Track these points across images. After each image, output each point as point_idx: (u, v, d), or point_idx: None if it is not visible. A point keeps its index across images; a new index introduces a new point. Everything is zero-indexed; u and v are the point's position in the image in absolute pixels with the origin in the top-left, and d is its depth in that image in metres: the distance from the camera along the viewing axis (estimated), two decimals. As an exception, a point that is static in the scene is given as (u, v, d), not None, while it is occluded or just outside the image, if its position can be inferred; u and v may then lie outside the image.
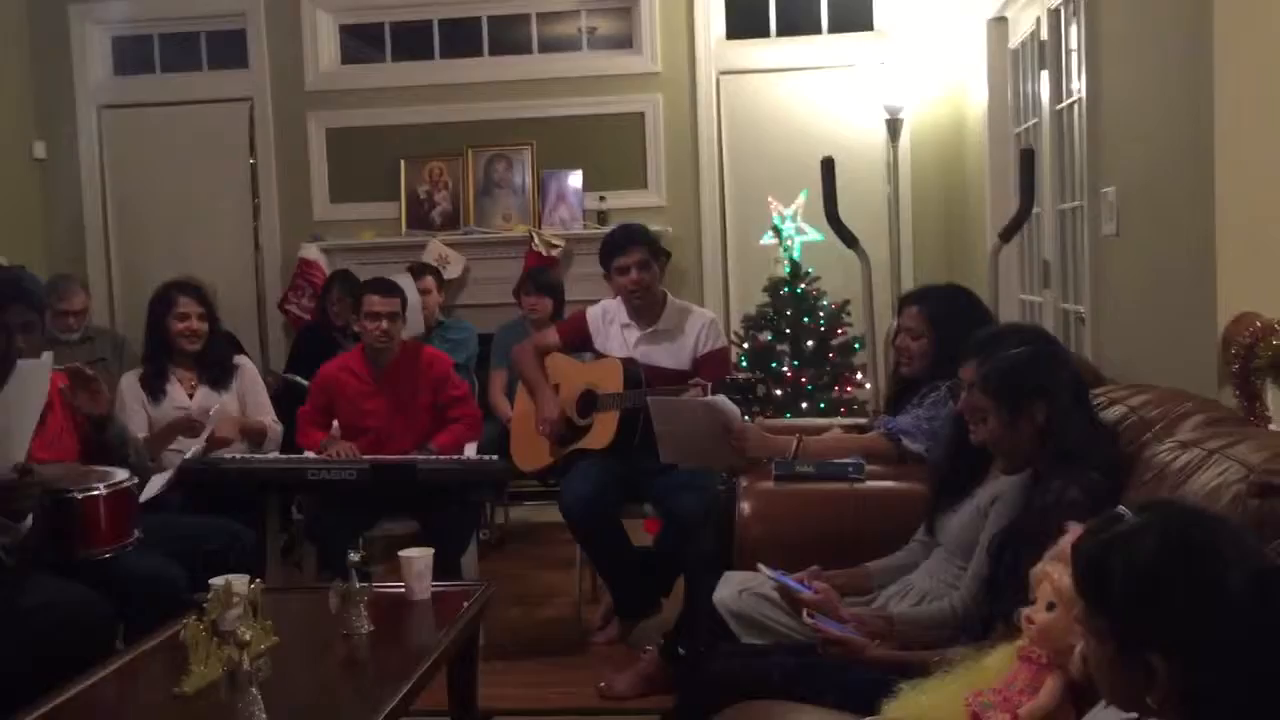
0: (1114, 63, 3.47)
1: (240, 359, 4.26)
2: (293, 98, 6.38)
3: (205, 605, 2.41)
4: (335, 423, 4.19)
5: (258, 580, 2.53)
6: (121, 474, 3.13)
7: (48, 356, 3.06)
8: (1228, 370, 2.62)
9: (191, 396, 4.03)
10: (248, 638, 2.15)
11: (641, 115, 6.26)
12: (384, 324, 4.13)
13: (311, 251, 6.19)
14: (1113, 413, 2.62)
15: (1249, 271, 2.68)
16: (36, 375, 2.97)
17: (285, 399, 4.71)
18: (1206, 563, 1.33)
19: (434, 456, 3.99)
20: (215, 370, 4.07)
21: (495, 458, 4.02)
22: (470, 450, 4.22)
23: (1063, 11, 4.18)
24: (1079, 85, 3.85)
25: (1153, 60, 3.12)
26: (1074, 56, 3.99)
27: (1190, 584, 1.31)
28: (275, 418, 4.29)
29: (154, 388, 3.98)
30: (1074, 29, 3.97)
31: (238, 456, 3.94)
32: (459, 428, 4.22)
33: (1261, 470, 1.81)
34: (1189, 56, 2.81)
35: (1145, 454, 2.32)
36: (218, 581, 2.52)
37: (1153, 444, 2.34)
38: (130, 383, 3.98)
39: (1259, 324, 2.53)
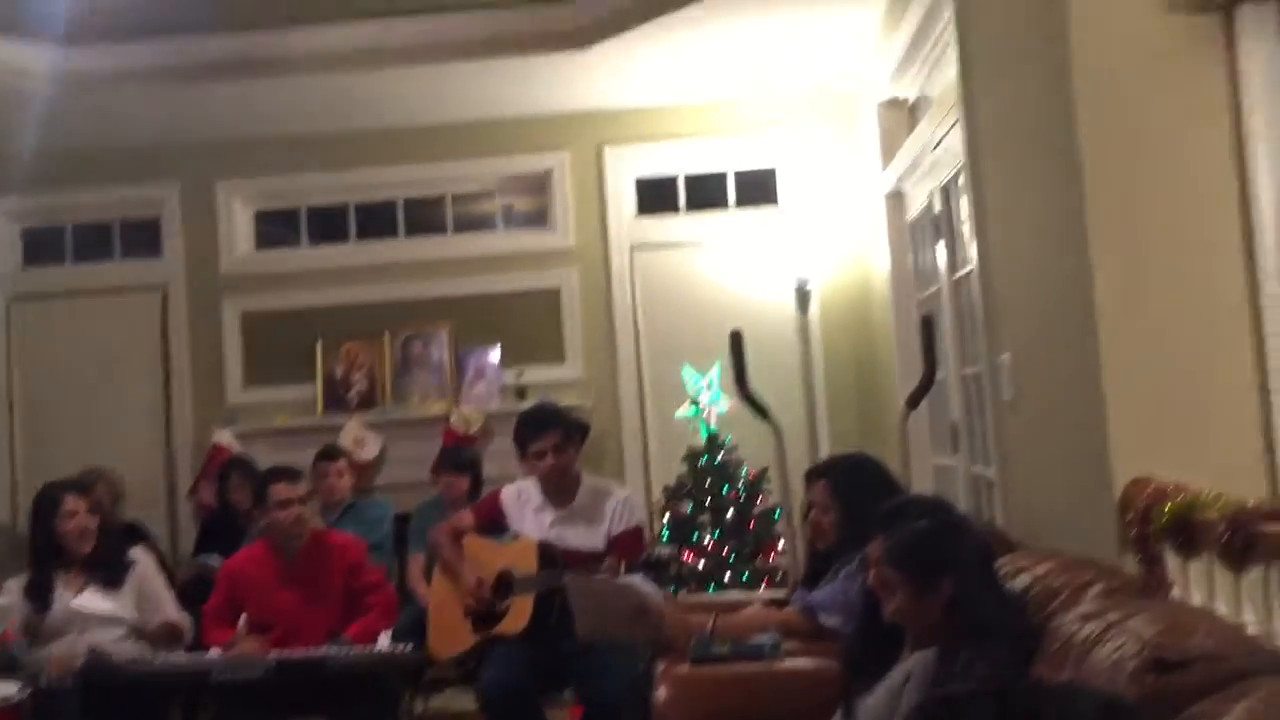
0: (1000, 235, 3.61)
1: (136, 553, 4.12)
2: (207, 283, 6.39)
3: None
4: (243, 617, 4.06)
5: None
6: (10, 689, 2.99)
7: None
8: (1128, 535, 2.65)
9: (81, 597, 3.88)
10: None
11: (557, 290, 6.35)
12: (296, 509, 4.04)
13: (224, 437, 6.09)
14: (1020, 582, 2.63)
15: (1140, 436, 2.74)
16: None
17: (198, 589, 4.56)
18: None
19: (344, 650, 3.85)
20: (106, 570, 3.93)
21: (409, 647, 3.90)
22: (384, 639, 4.09)
23: (952, 188, 4.36)
24: (971, 256, 3.99)
25: (1034, 232, 3.26)
26: (965, 229, 4.15)
27: None
28: (180, 611, 4.14)
29: (39, 595, 3.83)
30: (964, 203, 4.14)
31: (138, 658, 3.78)
32: (372, 617, 4.09)
33: (1154, 645, 1.82)
34: (1065, 228, 2.94)
35: (1052, 624, 2.32)
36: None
37: (1059, 614, 2.34)
38: (13, 591, 3.83)
39: (1153, 488, 2.58)
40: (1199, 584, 2.42)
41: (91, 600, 3.89)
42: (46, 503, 3.95)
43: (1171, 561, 2.50)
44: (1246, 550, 2.14)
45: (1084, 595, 2.35)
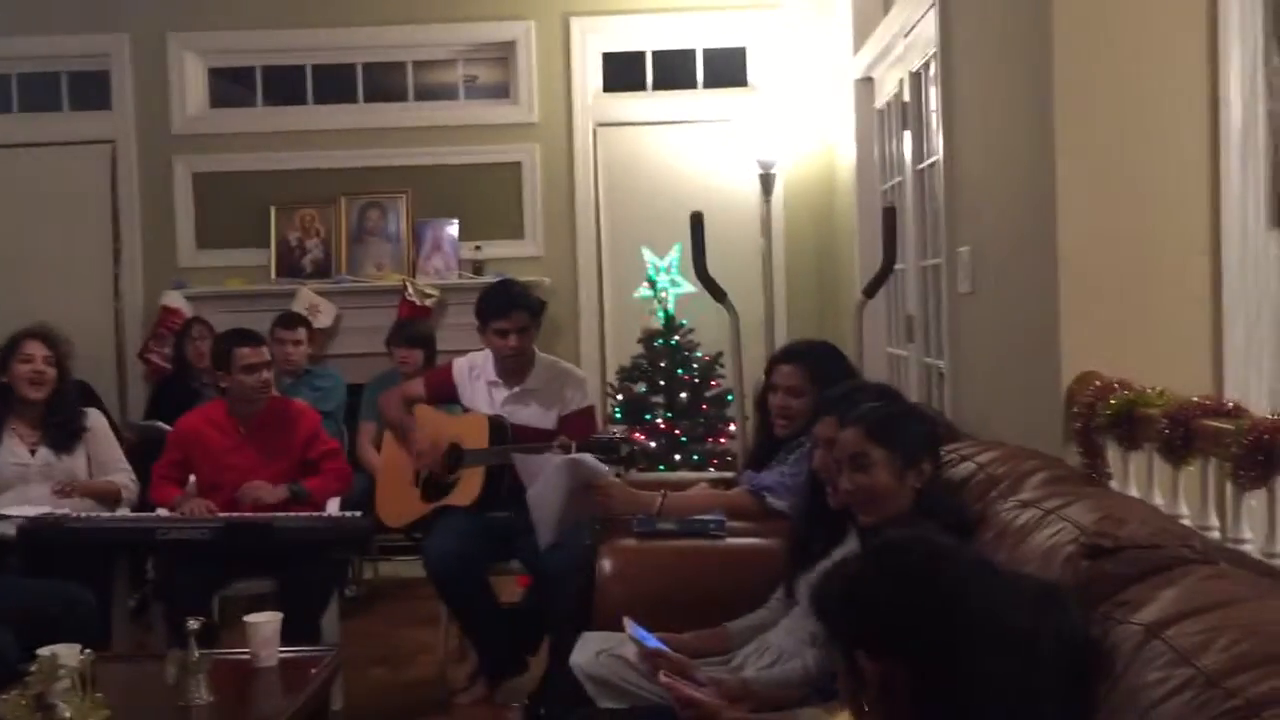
0: (967, 127, 3.57)
1: (90, 415, 4.07)
2: (158, 141, 6.21)
3: (28, 678, 2.28)
4: (192, 478, 4.05)
5: (87, 650, 2.40)
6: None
7: None
8: (1072, 427, 2.69)
9: (33, 454, 3.85)
10: (68, 715, 2.04)
11: (519, 165, 6.25)
12: (264, 374, 3.99)
13: (174, 299, 6.00)
14: (963, 469, 2.67)
15: (1090, 332, 2.76)
16: None
17: (144, 451, 4.54)
18: (914, 564, 1.49)
19: (291, 514, 3.85)
20: (60, 430, 3.89)
21: (358, 514, 3.92)
22: (332, 506, 4.11)
23: (923, 75, 4.30)
24: (938, 147, 3.96)
25: (1001, 126, 3.23)
26: (934, 119, 4.10)
27: (892, 582, 1.47)
28: (131, 475, 4.13)
29: None
30: (933, 92, 4.08)
31: (84, 515, 3.77)
32: (327, 478, 4.10)
33: (1092, 532, 1.85)
34: (1032, 123, 2.91)
35: (989, 512, 2.36)
36: (44, 652, 2.38)
37: (997, 502, 2.38)
38: None
39: (1099, 383, 2.61)
40: (1138, 477, 2.47)
41: (43, 459, 3.86)
42: (5, 348, 3.89)
43: (1113, 454, 2.55)
44: (1186, 444, 2.18)
45: (1025, 483, 2.38)
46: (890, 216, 4.28)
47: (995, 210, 3.31)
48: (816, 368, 3.26)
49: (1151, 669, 1.46)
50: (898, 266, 4.53)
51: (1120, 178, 2.76)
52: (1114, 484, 2.54)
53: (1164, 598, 1.61)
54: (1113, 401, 2.49)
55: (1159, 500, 2.39)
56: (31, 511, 3.68)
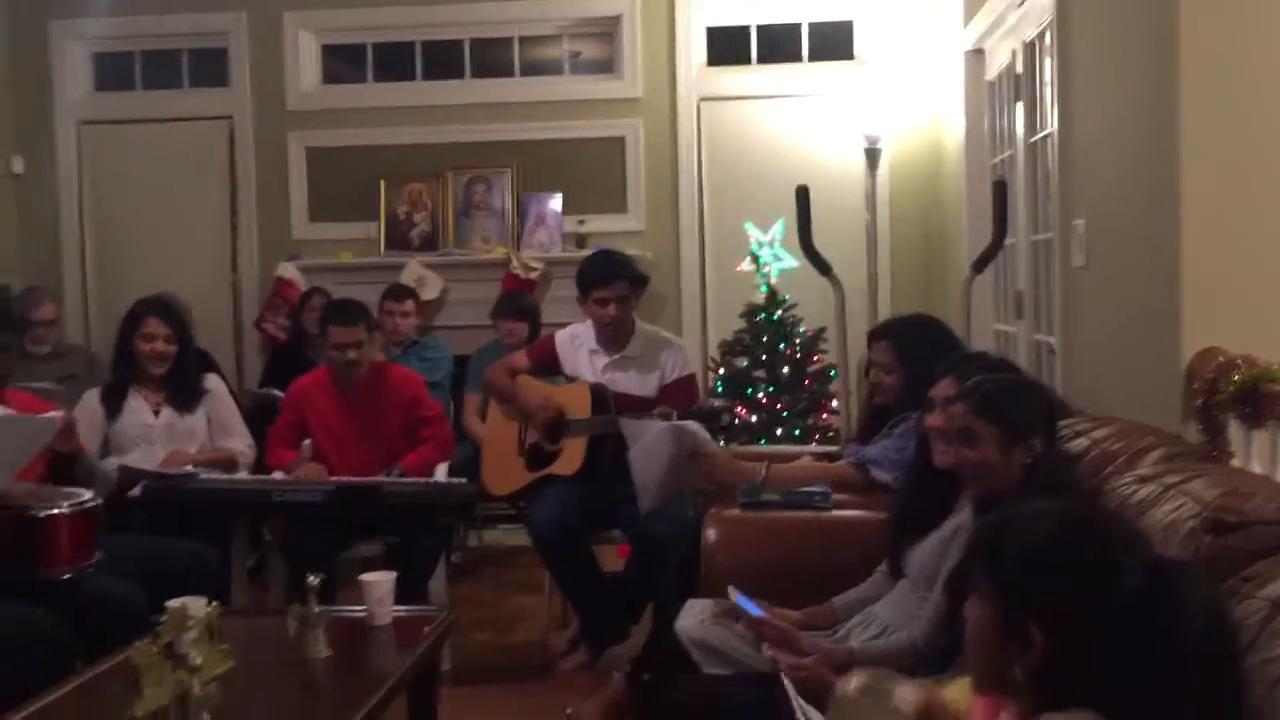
0: (1085, 97, 3.49)
1: (210, 379, 4.21)
2: (273, 117, 6.38)
3: (159, 628, 2.38)
4: (307, 442, 4.18)
5: (214, 603, 2.50)
6: (86, 494, 3.12)
7: (55, 416, 3.13)
8: (1192, 404, 2.63)
9: (157, 415, 4.01)
10: (198, 662, 2.13)
11: (622, 140, 6.27)
12: (350, 354, 4.08)
13: (289, 270, 6.17)
14: (1077, 445, 2.63)
15: (1213, 307, 2.69)
16: (34, 430, 3.07)
17: (259, 417, 4.69)
18: (1105, 546, 1.40)
19: (399, 479, 3.95)
20: (183, 394, 4.04)
21: (463, 481, 3.99)
22: (440, 472, 4.19)
23: (1037, 46, 4.21)
24: (1052, 118, 3.87)
25: (1122, 95, 3.15)
26: (1048, 90, 4.02)
27: (1086, 562, 1.38)
28: (249, 439, 4.26)
29: (112, 404, 3.96)
30: (1048, 63, 4.00)
31: (202, 476, 3.90)
32: (428, 449, 4.18)
33: (1215, 507, 1.81)
34: (1155, 91, 2.84)
35: (1106, 487, 2.33)
36: (174, 603, 2.48)
37: (1114, 477, 2.34)
38: (90, 400, 3.96)
39: (1222, 359, 2.54)
40: (1262, 454, 2.41)
41: (166, 419, 4.02)
42: (131, 318, 4.03)
43: (1235, 431, 2.48)
44: (1314, 421, 2.12)
45: (1143, 459, 2.34)
46: (1001, 190, 4.20)
47: (1112, 181, 3.23)
48: (906, 344, 3.23)
49: (1279, 644, 1.43)
50: (1007, 241, 4.45)
51: (1248, 145, 2.69)
52: (1236, 462, 2.47)
53: (1291, 574, 1.57)
54: (1235, 378, 2.43)
55: (1284, 478, 2.33)
56: (160, 469, 3.84)
